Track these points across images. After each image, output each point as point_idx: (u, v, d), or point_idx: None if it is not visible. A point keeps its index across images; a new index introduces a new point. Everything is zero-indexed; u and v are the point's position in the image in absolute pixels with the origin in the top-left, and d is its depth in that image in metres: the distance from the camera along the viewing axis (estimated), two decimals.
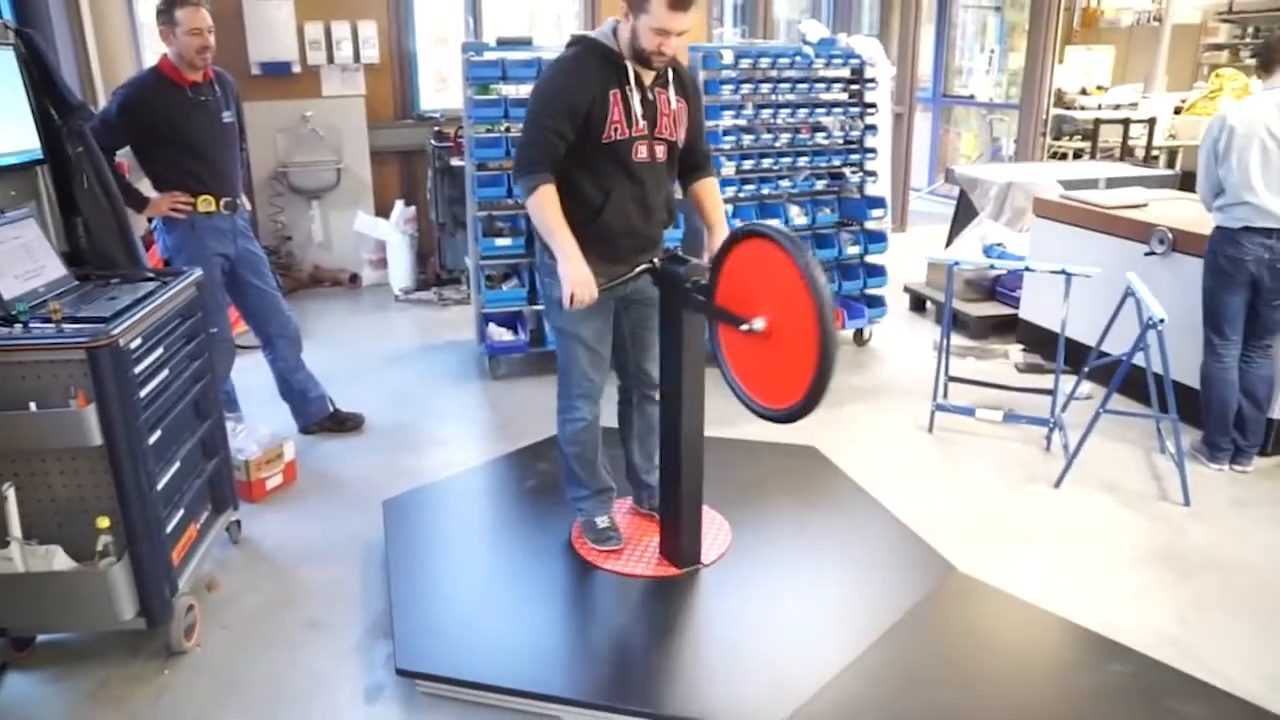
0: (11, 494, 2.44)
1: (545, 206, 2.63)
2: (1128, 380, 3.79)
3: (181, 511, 2.81)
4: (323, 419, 4.23)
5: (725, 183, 4.95)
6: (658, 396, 2.98)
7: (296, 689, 2.61)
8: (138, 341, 2.55)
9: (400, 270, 6.54)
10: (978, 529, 3.44)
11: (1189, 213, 4.54)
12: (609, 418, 3.10)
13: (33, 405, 2.39)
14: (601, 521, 3.09)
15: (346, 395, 4.41)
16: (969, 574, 3.00)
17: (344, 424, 4.27)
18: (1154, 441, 4.10)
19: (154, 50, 6.40)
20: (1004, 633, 2.84)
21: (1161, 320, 3.49)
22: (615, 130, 2.66)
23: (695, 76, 2.85)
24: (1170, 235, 4.24)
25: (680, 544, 2.96)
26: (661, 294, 2.79)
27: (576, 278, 2.63)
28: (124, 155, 3.72)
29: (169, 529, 2.69)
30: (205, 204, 3.65)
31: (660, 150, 2.77)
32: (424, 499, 3.46)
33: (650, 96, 2.71)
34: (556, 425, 3.03)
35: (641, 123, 2.70)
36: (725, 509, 3.23)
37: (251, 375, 4.25)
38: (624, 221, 2.76)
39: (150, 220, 3.83)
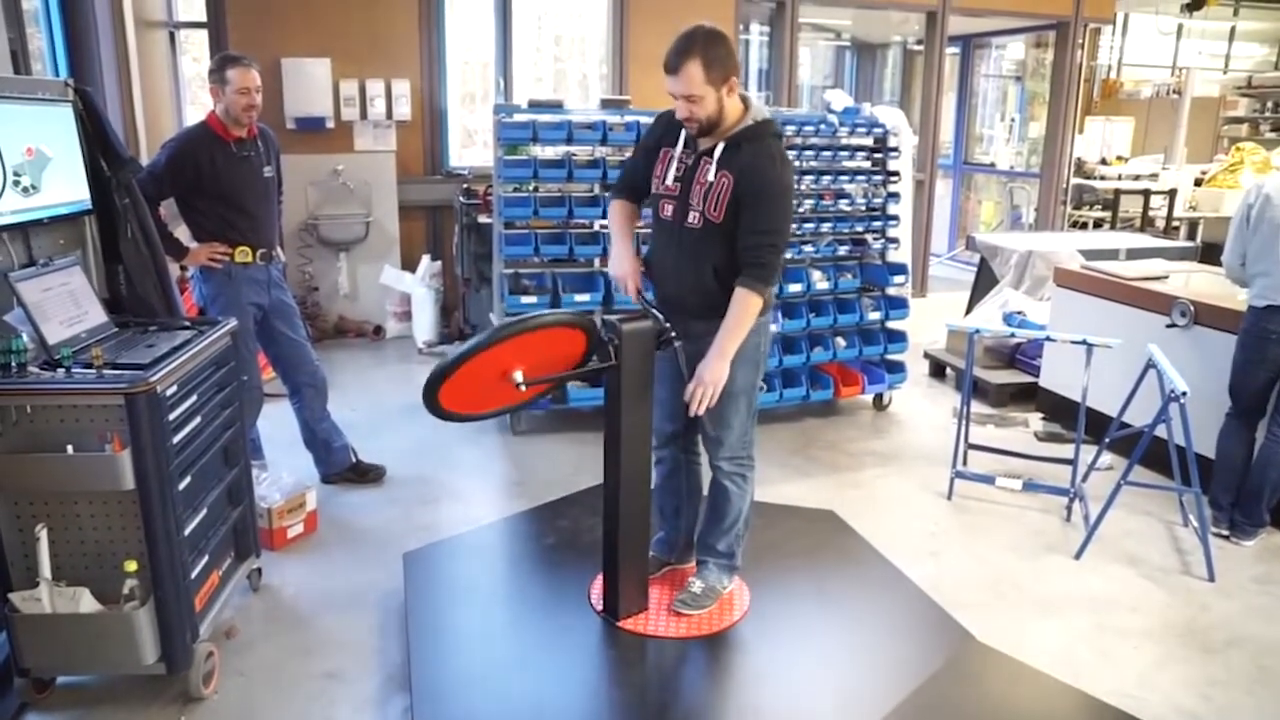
0: (44, 535, 2.48)
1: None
2: (1149, 452, 3.77)
3: (206, 558, 2.85)
4: (345, 469, 4.27)
5: None
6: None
7: None
8: (173, 389, 2.60)
9: (424, 323, 6.62)
10: (996, 598, 3.43)
11: (1210, 286, 4.56)
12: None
13: (70, 448, 2.45)
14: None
15: (368, 446, 4.45)
16: (987, 643, 2.98)
17: (365, 475, 4.30)
18: (1176, 515, 4.08)
19: (196, 105, 6.64)
20: (1021, 704, 2.80)
21: (1184, 393, 3.50)
22: (656, 183, 2.84)
23: (766, 168, 2.65)
24: (1192, 308, 4.26)
25: (627, 593, 2.97)
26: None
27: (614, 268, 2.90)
28: (164, 204, 3.83)
29: (193, 575, 2.72)
30: (243, 255, 3.75)
31: (692, 217, 2.70)
32: (444, 552, 3.47)
33: (694, 162, 2.71)
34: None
35: (673, 183, 2.75)
36: (743, 572, 3.23)
37: (276, 423, 4.31)
38: (660, 268, 2.91)
39: (186, 268, 3.93)
